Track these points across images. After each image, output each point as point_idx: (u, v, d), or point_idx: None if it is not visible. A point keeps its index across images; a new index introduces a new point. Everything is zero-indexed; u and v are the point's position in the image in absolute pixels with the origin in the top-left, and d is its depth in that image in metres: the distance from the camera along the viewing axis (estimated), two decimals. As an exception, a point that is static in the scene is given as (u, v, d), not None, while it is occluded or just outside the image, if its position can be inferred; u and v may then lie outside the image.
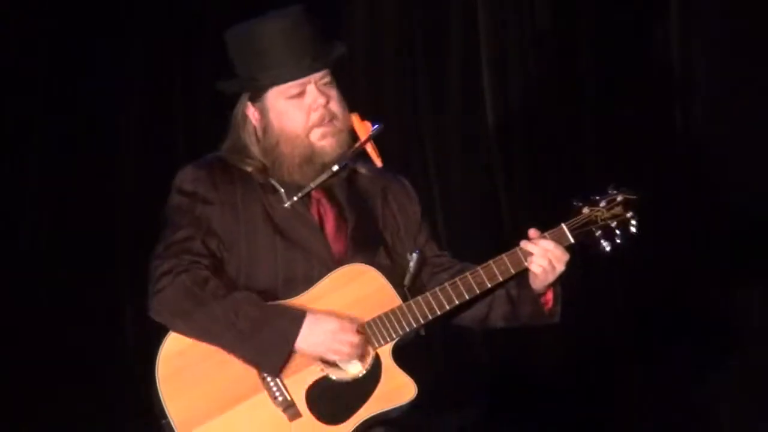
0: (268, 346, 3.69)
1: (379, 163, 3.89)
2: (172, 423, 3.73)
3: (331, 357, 3.71)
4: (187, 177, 3.86)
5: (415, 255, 3.84)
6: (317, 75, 3.82)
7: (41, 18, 6.62)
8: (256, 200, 3.83)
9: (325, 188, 3.88)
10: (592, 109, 5.89)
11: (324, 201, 3.89)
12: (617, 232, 3.79)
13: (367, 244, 3.86)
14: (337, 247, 3.85)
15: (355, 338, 3.70)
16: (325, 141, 3.82)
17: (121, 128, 6.72)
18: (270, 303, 3.73)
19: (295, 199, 3.81)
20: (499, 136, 6.00)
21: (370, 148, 3.88)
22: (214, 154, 3.92)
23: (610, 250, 3.79)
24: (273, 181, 3.83)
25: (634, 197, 3.81)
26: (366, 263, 3.81)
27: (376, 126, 3.88)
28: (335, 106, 3.84)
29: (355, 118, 3.88)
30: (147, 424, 6.37)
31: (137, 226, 6.68)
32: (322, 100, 3.81)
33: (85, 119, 6.64)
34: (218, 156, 3.91)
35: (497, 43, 5.99)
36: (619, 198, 3.80)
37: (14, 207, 6.70)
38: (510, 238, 5.79)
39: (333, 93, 3.85)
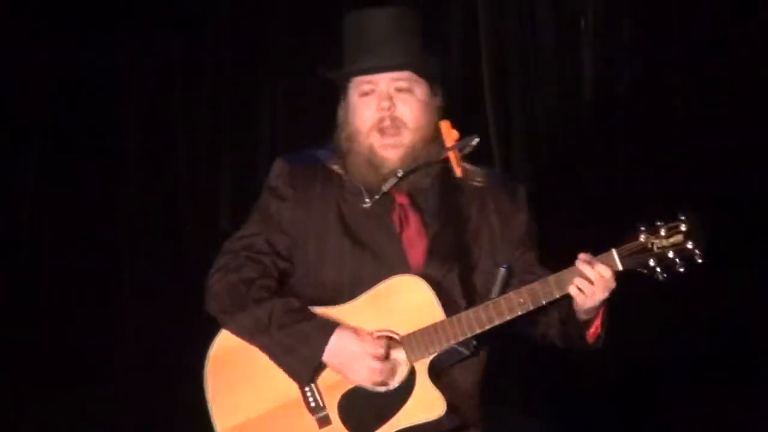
0: (297, 358, 3.74)
1: (458, 173, 3.81)
2: (212, 417, 3.83)
3: (352, 377, 3.73)
4: (274, 171, 3.89)
5: (502, 269, 3.75)
6: (389, 76, 3.78)
7: (41, 18, 6.61)
8: (332, 200, 3.84)
9: (412, 193, 3.85)
10: (592, 108, 5.86)
11: (408, 206, 3.85)
12: (677, 261, 3.61)
13: (446, 254, 3.80)
14: (414, 254, 3.81)
15: (376, 364, 3.69)
16: (386, 152, 3.78)
17: (122, 128, 6.71)
18: (308, 311, 3.77)
19: (373, 199, 3.79)
20: (499, 136, 5.98)
21: (452, 158, 3.81)
22: (313, 150, 3.93)
23: (667, 277, 3.64)
24: (358, 182, 3.82)
25: (698, 225, 3.62)
26: (437, 275, 3.77)
27: (473, 138, 3.83)
28: (405, 113, 3.77)
29: (444, 126, 3.82)
30: (147, 424, 6.42)
31: (137, 226, 6.67)
32: (385, 104, 3.76)
33: (86, 119, 6.63)
34: (312, 151, 3.92)
35: (497, 43, 5.96)
36: (682, 227, 3.61)
37: (14, 207, 6.68)
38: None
39: (407, 99, 3.78)
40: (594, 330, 3.76)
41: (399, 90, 3.78)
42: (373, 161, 3.79)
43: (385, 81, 3.77)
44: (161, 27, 6.61)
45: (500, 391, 3.89)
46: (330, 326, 3.72)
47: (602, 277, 3.63)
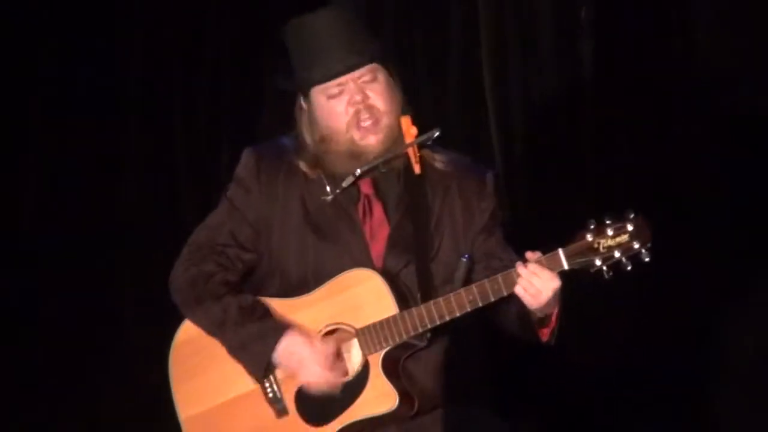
0: (249, 357, 3.88)
1: (417, 170, 3.90)
2: (175, 404, 4.00)
3: (304, 379, 3.85)
4: (242, 162, 4.02)
5: (463, 260, 3.85)
6: (355, 73, 3.88)
7: (41, 16, 6.63)
8: (297, 192, 3.95)
9: (376, 184, 3.96)
10: (591, 99, 5.86)
11: (372, 197, 3.97)
12: (623, 260, 3.68)
13: (405, 246, 3.92)
14: (376, 246, 3.93)
15: (325, 365, 3.81)
16: (367, 140, 3.89)
17: (122, 128, 6.73)
18: (262, 309, 3.90)
19: (334, 193, 3.90)
20: (498, 127, 5.98)
21: (411, 154, 3.90)
22: (280, 140, 4.06)
23: (613, 276, 3.71)
24: (322, 176, 3.94)
25: (644, 225, 3.69)
26: (395, 267, 3.89)
27: (433, 132, 3.92)
28: (378, 102, 3.89)
29: (404, 121, 3.92)
30: (146, 424, 6.41)
31: (138, 225, 6.67)
32: (358, 97, 3.87)
33: (86, 119, 6.66)
34: (280, 143, 4.05)
35: (496, 34, 5.96)
36: (628, 226, 3.68)
37: (14, 207, 6.70)
38: (509, 238, 5.80)
39: (376, 89, 3.89)
40: (550, 327, 3.87)
41: (365, 82, 3.89)
42: (355, 152, 3.89)
43: (353, 79, 3.88)
44: (161, 24, 6.62)
45: (466, 388, 3.96)
46: (280, 329, 3.85)
47: (545, 277, 3.71)
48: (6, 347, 6.57)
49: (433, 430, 3.97)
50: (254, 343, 3.84)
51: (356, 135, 3.86)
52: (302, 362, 3.81)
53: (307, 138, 3.95)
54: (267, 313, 3.89)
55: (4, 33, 6.59)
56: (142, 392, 6.53)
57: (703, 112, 5.61)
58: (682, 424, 5.66)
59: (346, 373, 3.84)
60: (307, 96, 3.94)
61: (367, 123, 3.86)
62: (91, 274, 6.59)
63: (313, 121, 3.93)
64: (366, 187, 3.94)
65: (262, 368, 3.86)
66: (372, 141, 3.86)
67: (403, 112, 3.93)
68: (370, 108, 3.85)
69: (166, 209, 6.62)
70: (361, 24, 3.94)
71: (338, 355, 3.85)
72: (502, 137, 5.95)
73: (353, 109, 3.86)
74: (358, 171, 3.84)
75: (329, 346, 3.82)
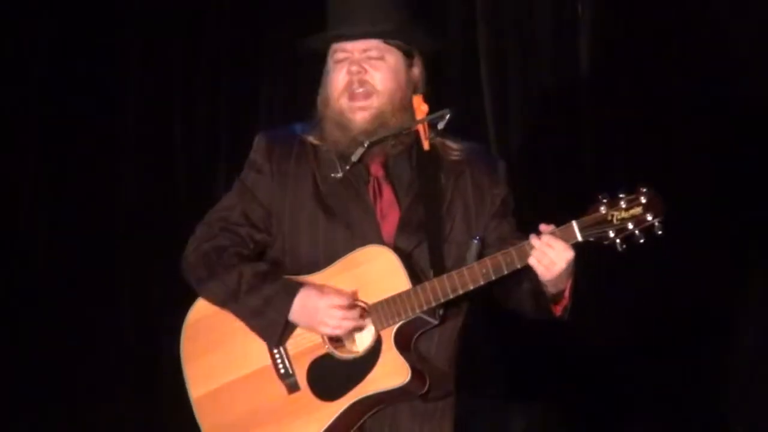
0: (264, 321, 3.88)
1: (426, 146, 3.91)
2: (186, 383, 3.98)
3: (322, 330, 3.85)
4: (254, 144, 4.04)
5: (474, 242, 3.85)
6: (361, 45, 3.91)
7: (40, 12, 6.63)
8: (308, 173, 3.97)
9: (386, 165, 3.97)
10: (592, 106, 5.86)
11: (382, 178, 3.98)
12: (636, 232, 3.69)
13: (417, 227, 3.92)
14: (387, 227, 3.94)
15: (340, 313, 3.81)
16: (354, 114, 3.91)
17: (122, 128, 6.71)
18: (275, 274, 3.91)
19: (344, 169, 3.90)
20: (496, 122, 5.97)
21: (421, 130, 3.92)
22: (292, 126, 4.06)
23: (626, 248, 3.72)
24: (333, 155, 3.95)
25: (657, 197, 3.71)
26: (407, 247, 3.90)
27: (445, 112, 3.92)
28: (375, 78, 3.90)
29: (416, 100, 3.94)
30: (146, 424, 6.40)
31: (138, 225, 6.67)
32: (354, 68, 3.89)
33: (86, 118, 6.65)
34: (292, 128, 4.05)
35: (495, 30, 5.97)
36: (642, 199, 3.70)
37: (14, 206, 6.70)
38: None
39: (379, 67, 3.90)
40: (563, 304, 3.88)
41: (370, 58, 3.91)
42: (342, 123, 3.91)
43: (358, 50, 3.90)
44: (161, 20, 6.62)
45: (477, 373, 3.95)
46: (294, 287, 3.86)
47: (558, 248, 3.71)
48: (6, 347, 6.57)
49: (444, 416, 3.99)
50: (270, 305, 3.85)
51: (345, 104, 3.89)
52: (317, 312, 3.80)
53: (318, 100, 3.98)
54: (280, 276, 3.89)
55: (3, 32, 6.60)
56: (142, 392, 6.55)
57: (703, 112, 5.62)
58: (682, 423, 5.67)
59: (363, 316, 3.83)
60: (326, 60, 3.96)
61: (357, 95, 3.87)
62: (91, 274, 6.60)
63: (323, 82, 3.96)
64: (376, 169, 3.95)
65: (277, 333, 3.86)
66: (359, 117, 3.88)
67: (419, 91, 3.95)
68: (362, 82, 3.87)
69: (166, 209, 6.62)
70: (406, 5, 3.95)
71: (353, 307, 3.84)
72: (502, 136, 5.95)
73: (347, 78, 3.88)
74: (367, 142, 3.85)
75: (343, 294, 3.82)
